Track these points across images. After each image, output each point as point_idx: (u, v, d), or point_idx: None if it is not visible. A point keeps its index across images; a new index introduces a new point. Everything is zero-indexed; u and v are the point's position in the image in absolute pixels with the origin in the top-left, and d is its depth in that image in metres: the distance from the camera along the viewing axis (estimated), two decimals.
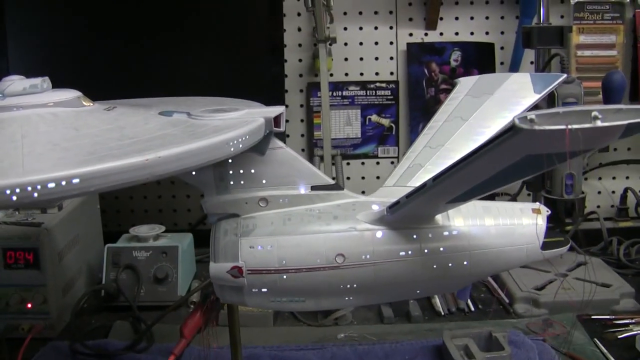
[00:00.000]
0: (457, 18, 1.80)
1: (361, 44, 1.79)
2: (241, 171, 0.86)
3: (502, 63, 1.81)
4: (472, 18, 1.80)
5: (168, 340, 1.29)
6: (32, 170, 0.64)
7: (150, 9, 1.65)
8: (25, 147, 0.72)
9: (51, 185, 0.62)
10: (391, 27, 1.79)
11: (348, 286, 0.84)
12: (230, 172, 0.86)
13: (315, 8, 1.46)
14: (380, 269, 0.84)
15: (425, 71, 1.80)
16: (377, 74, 1.81)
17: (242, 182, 0.86)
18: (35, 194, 0.62)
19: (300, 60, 1.80)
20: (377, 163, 1.86)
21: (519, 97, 1.02)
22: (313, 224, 0.85)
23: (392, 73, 1.81)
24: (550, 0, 1.64)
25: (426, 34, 1.80)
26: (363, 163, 1.86)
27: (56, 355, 1.27)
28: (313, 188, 0.88)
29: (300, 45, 1.79)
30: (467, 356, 1.15)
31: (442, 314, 1.40)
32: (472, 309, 1.41)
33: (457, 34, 1.80)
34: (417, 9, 1.79)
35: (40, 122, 0.80)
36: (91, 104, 0.87)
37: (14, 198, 0.61)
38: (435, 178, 0.73)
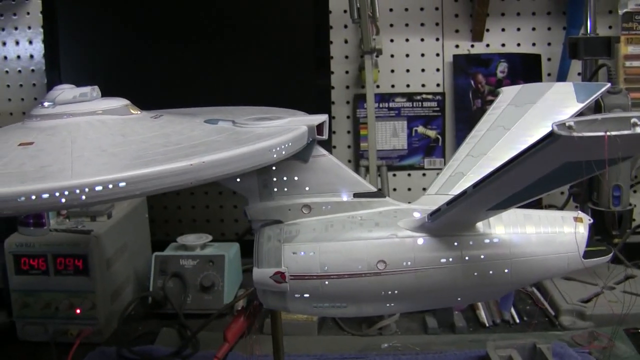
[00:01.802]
0: (503, 29, 1.80)
1: (407, 55, 1.80)
2: (285, 178, 0.87)
3: (549, 74, 1.80)
4: (518, 29, 1.79)
5: (213, 347, 1.29)
6: (80, 174, 0.67)
7: (197, 21, 1.68)
8: (75, 152, 0.74)
9: (98, 188, 0.64)
10: (437, 39, 1.80)
11: (389, 292, 0.85)
12: (274, 179, 0.87)
13: (361, 20, 1.47)
14: (421, 276, 0.84)
15: (472, 83, 1.80)
16: (423, 85, 1.82)
17: (285, 189, 0.88)
18: (83, 197, 0.64)
19: (347, 72, 1.82)
20: (424, 174, 1.86)
21: (561, 107, 1.01)
22: (355, 231, 0.86)
23: (438, 85, 1.81)
24: (598, 11, 1.62)
25: (472, 46, 1.80)
26: (409, 174, 1.86)
27: (100, 358, 1.30)
28: (355, 195, 0.89)
29: (347, 57, 1.81)
30: None
31: (487, 325, 1.39)
32: (517, 320, 1.40)
33: (503, 45, 1.80)
34: (463, 21, 1.80)
35: (89, 129, 0.82)
36: (138, 112, 0.90)
37: (63, 200, 0.63)
38: (475, 185, 0.73)
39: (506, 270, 0.85)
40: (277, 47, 1.68)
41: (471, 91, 1.80)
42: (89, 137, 0.80)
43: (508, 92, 1.07)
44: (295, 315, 1.38)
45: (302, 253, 0.85)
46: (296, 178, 0.88)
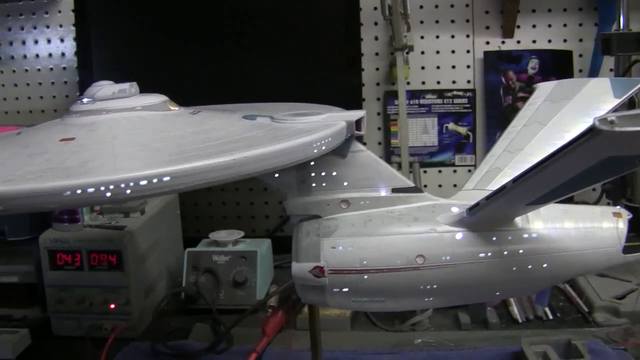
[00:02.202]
0: (534, 26, 1.79)
1: (438, 52, 1.80)
2: (323, 173, 0.87)
3: (580, 70, 1.79)
4: (549, 26, 1.78)
5: (246, 342, 1.31)
6: (124, 168, 0.67)
7: (229, 19, 1.69)
8: (116, 147, 0.75)
9: (143, 182, 0.65)
10: (468, 36, 1.79)
11: (428, 287, 0.85)
12: (312, 174, 0.87)
13: (392, 17, 1.47)
14: (460, 271, 0.84)
15: (502, 79, 1.79)
16: (454, 82, 1.81)
17: (323, 184, 0.88)
18: (128, 191, 0.64)
19: (377, 69, 1.82)
20: (454, 171, 1.86)
21: (598, 102, 1.00)
22: (393, 226, 0.86)
23: (468, 81, 1.81)
24: (631, 6, 1.60)
25: (503, 42, 1.79)
26: (440, 171, 1.86)
27: (138, 355, 1.31)
28: (393, 190, 0.89)
29: (377, 54, 1.81)
30: None
31: (520, 321, 1.38)
32: (551, 317, 1.39)
33: (534, 41, 1.79)
34: (494, 17, 1.79)
35: (129, 125, 0.83)
36: (177, 108, 0.90)
37: (108, 194, 0.64)
38: (515, 180, 0.73)
39: (545, 265, 0.85)
40: (308, 45, 1.68)
41: (502, 88, 1.79)
42: (130, 132, 0.81)
43: (544, 88, 1.07)
44: (328, 310, 1.39)
45: (341, 248, 0.84)
46: (334, 173, 0.88)
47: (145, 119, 0.85)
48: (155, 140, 0.78)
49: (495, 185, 0.94)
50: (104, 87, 0.89)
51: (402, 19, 1.49)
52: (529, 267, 0.85)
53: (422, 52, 1.81)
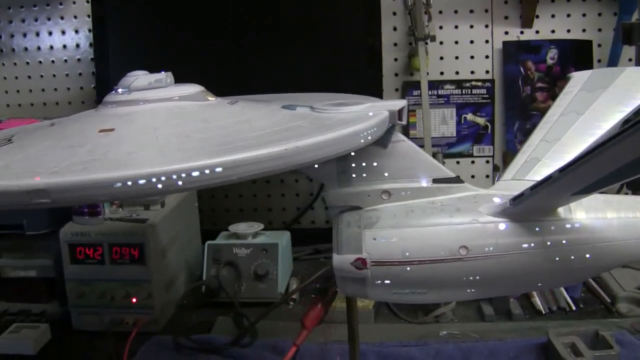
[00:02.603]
0: (553, 16, 1.77)
1: (457, 42, 1.79)
2: (363, 164, 0.86)
3: (599, 60, 1.78)
4: (568, 15, 1.77)
5: (270, 335, 1.30)
6: (172, 159, 0.66)
7: (249, 11, 1.68)
8: (160, 138, 0.73)
9: (195, 174, 0.63)
10: (487, 26, 1.78)
11: (470, 278, 0.83)
12: (353, 165, 0.86)
13: (415, 7, 1.46)
14: (503, 261, 0.83)
15: (521, 69, 1.78)
16: (472, 72, 1.80)
17: (364, 175, 0.86)
18: (180, 182, 0.63)
19: (395, 60, 1.80)
20: (472, 162, 1.85)
21: (633, 92, 1.00)
22: (436, 217, 0.84)
23: (487, 72, 1.79)
24: None
25: (522, 32, 1.78)
26: (458, 162, 1.85)
27: (161, 349, 1.29)
28: (434, 181, 0.88)
29: (395, 44, 1.79)
30: (574, 354, 1.13)
31: (543, 312, 1.38)
32: (574, 308, 1.38)
33: (553, 31, 1.77)
34: (512, 7, 1.78)
35: (168, 115, 0.82)
36: (214, 99, 0.89)
37: (160, 186, 0.62)
38: (562, 169, 0.72)
39: (588, 256, 0.84)
40: (328, 36, 1.67)
41: (521, 78, 1.78)
42: (170, 123, 0.79)
43: (578, 77, 1.06)
44: None
45: (384, 239, 0.83)
46: (375, 164, 0.86)
47: (184, 109, 0.83)
48: (198, 130, 0.77)
49: (533, 175, 0.93)
50: (140, 77, 0.87)
51: (424, 9, 1.47)
52: (572, 257, 0.83)
53: (441, 43, 1.79)
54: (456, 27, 1.78)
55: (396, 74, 1.81)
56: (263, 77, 1.65)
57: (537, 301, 1.39)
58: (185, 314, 1.44)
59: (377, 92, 1.68)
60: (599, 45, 1.78)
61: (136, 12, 1.72)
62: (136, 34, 1.72)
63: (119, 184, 0.61)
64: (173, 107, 0.84)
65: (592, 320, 1.33)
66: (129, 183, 0.62)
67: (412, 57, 1.72)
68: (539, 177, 0.90)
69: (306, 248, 1.72)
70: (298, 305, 1.47)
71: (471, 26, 1.79)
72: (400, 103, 0.85)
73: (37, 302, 1.45)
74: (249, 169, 0.66)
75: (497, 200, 0.86)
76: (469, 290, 0.86)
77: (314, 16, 1.67)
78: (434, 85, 1.79)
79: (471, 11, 1.78)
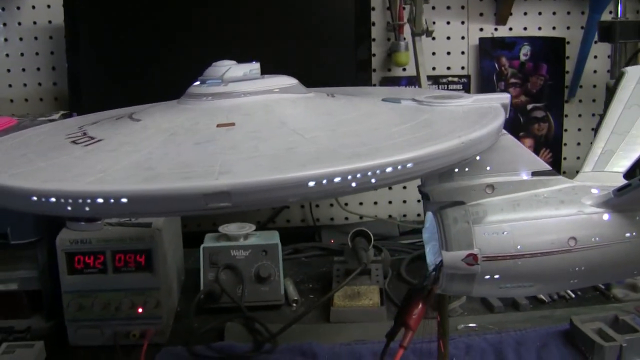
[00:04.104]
0: (525, 13, 1.81)
1: (433, 38, 1.77)
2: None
3: (568, 57, 1.82)
4: (540, 13, 1.81)
5: (289, 341, 1.25)
6: (350, 155, 0.61)
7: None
8: (300, 132, 0.68)
9: (389, 169, 0.59)
10: (463, 22, 1.79)
11: (576, 269, 0.83)
12: None
13: (415, 1, 1.44)
14: (607, 251, 0.83)
15: (496, 65, 1.79)
16: (448, 68, 1.81)
17: (466, 169, 0.84)
18: (374, 180, 0.59)
19: (374, 55, 1.78)
20: None
21: None
22: (543, 209, 0.83)
23: (463, 67, 1.81)
24: None
25: (496, 29, 1.80)
26: None
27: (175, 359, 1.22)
28: (533, 174, 0.87)
29: (374, 39, 1.77)
30: (603, 339, 1.15)
31: (546, 301, 1.40)
32: (573, 296, 1.42)
33: (525, 29, 1.81)
34: (487, 4, 1.80)
35: (287, 108, 0.76)
36: (310, 91, 0.84)
37: (354, 184, 0.58)
38: None
39: None
40: (314, 28, 1.63)
41: (495, 74, 1.80)
42: (295, 117, 0.74)
43: (632, 72, 1.07)
44: (362, 301, 1.36)
45: (494, 233, 0.81)
46: (478, 157, 0.84)
47: (297, 102, 0.78)
48: (332, 125, 0.72)
49: (612, 167, 0.94)
50: (232, 68, 0.81)
51: (423, 3, 1.46)
52: None
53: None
54: (433, 23, 1.75)
55: (374, 70, 1.79)
56: None
57: None
58: (185, 322, 1.35)
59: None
60: (568, 43, 1.82)
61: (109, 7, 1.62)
62: (111, 28, 1.62)
63: (312, 183, 0.56)
64: (280, 100, 0.78)
65: (594, 306, 1.36)
66: (324, 182, 0.56)
67: (394, 53, 1.70)
68: (617, 168, 0.92)
69: (285, 248, 1.66)
70: (301, 308, 1.42)
71: (448, 22, 1.79)
72: (505, 96, 0.83)
73: (17, 317, 1.32)
74: (431, 165, 0.62)
75: (594, 191, 0.86)
76: (572, 281, 0.86)
77: (299, 10, 1.62)
78: (411, 81, 1.79)
79: (448, 7, 1.79)
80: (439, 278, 0.84)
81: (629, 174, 0.91)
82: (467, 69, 1.81)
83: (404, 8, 1.64)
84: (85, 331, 1.27)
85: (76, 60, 1.60)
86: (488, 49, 1.79)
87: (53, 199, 0.58)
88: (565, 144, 1.88)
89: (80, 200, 0.57)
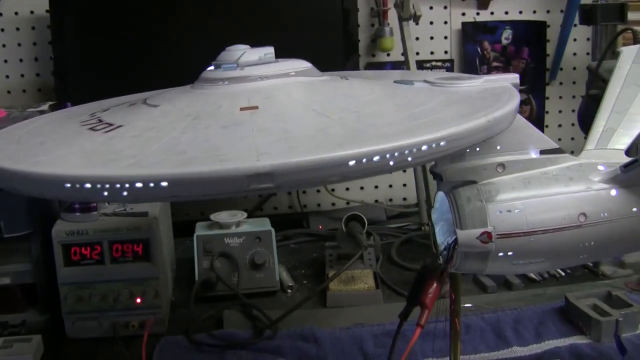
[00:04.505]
0: None
1: (417, 23, 1.79)
2: None
3: (548, 40, 1.84)
4: None
5: (284, 326, 1.25)
6: (388, 134, 0.61)
7: None
8: (329, 114, 0.68)
9: (424, 147, 0.60)
10: (445, 7, 1.80)
11: (586, 244, 0.85)
12: None
13: None
14: (615, 226, 0.85)
15: (478, 50, 1.81)
16: (432, 53, 1.82)
17: (477, 149, 0.85)
18: (410, 158, 0.59)
19: (358, 41, 1.78)
20: None
21: None
22: (553, 186, 0.85)
23: (446, 52, 1.82)
24: None
25: (478, 14, 1.82)
26: None
27: (179, 349, 1.21)
28: (542, 152, 0.88)
29: (358, 25, 1.77)
30: (600, 315, 1.17)
31: (537, 279, 1.42)
32: (563, 274, 1.44)
33: (506, 13, 1.83)
34: None
35: (307, 91, 0.76)
36: (324, 74, 0.84)
37: (392, 163, 0.59)
38: None
39: None
40: (299, 17, 1.62)
41: (478, 58, 1.82)
42: (316, 99, 0.74)
43: (628, 52, 1.09)
44: (357, 285, 1.37)
45: (508, 211, 0.83)
46: None
47: (315, 85, 0.78)
48: (355, 106, 0.72)
49: (614, 144, 0.96)
50: (247, 52, 0.81)
51: None
52: None
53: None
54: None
55: (359, 55, 1.79)
56: None
57: None
58: (181, 312, 1.35)
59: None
60: (548, 26, 1.84)
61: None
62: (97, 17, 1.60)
63: (352, 162, 0.57)
64: (299, 83, 0.78)
65: (584, 283, 1.39)
66: (364, 160, 0.57)
67: (378, 39, 1.71)
68: (619, 145, 0.94)
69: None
70: (296, 293, 1.43)
71: (431, 7, 1.80)
72: (514, 76, 0.85)
73: (12, 312, 1.30)
74: (461, 143, 0.64)
75: (601, 168, 0.88)
76: (581, 256, 0.88)
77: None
78: (395, 66, 1.79)
79: None
80: (452, 257, 0.86)
81: (630, 151, 0.93)
82: (450, 54, 1.82)
83: None
84: (83, 323, 1.25)
85: (62, 50, 1.58)
86: (470, 33, 1.81)
87: (88, 185, 0.57)
88: (547, 126, 1.91)
89: (118, 185, 0.56)
